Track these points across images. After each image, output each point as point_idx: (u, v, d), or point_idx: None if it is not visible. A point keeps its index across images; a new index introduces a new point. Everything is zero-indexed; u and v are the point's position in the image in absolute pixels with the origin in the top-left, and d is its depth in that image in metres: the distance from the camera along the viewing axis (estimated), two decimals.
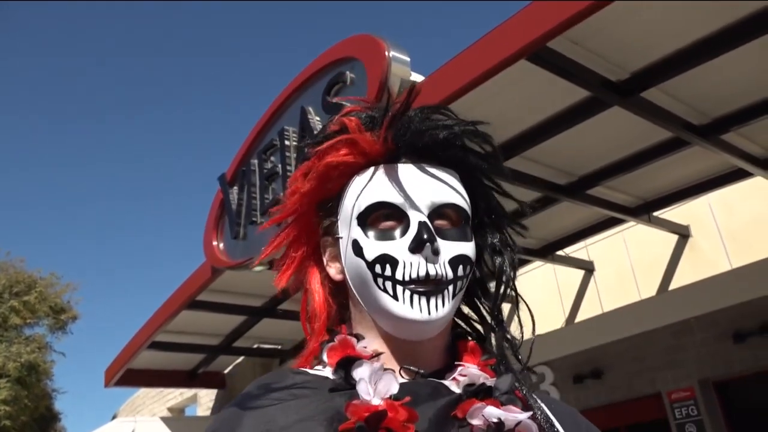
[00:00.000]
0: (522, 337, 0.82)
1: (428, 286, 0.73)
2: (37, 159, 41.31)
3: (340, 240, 0.80)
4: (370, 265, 0.75)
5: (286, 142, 5.07)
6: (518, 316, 0.82)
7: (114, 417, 14.77)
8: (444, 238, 0.75)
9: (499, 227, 0.85)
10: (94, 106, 46.85)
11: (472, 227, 0.81)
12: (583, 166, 4.72)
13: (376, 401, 0.68)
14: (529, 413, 0.72)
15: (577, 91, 3.78)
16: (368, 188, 0.77)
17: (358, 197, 0.78)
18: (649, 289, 6.17)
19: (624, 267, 6.41)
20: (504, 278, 0.82)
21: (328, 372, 0.76)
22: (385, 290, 0.74)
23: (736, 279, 5.22)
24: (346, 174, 0.80)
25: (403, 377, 0.75)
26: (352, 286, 0.79)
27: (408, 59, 4.15)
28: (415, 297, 0.72)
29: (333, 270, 0.83)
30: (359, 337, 0.78)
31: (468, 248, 0.77)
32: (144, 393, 13.03)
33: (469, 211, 0.80)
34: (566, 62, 3.50)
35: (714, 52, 3.56)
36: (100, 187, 50.47)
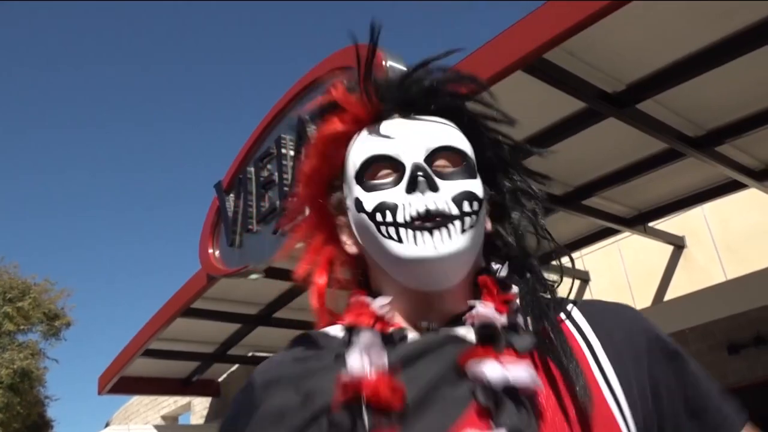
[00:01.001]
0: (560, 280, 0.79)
1: (431, 222, 0.70)
2: (32, 164, 41.26)
3: (348, 209, 0.78)
4: (371, 216, 0.73)
5: (283, 150, 5.08)
6: (558, 261, 0.81)
7: (107, 424, 14.68)
8: (444, 178, 0.73)
9: (511, 174, 0.82)
10: (90, 111, 46.87)
11: (487, 181, 0.79)
12: (578, 177, 4.75)
13: (364, 372, 0.66)
14: (530, 374, 0.65)
15: (573, 102, 3.81)
16: (361, 146, 0.77)
17: (350, 159, 0.78)
18: (645, 300, 6.18)
19: (619, 277, 6.42)
20: (520, 231, 0.80)
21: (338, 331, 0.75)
22: (389, 236, 0.72)
23: (731, 290, 5.24)
24: (344, 143, 0.80)
25: (417, 333, 0.73)
26: (365, 248, 0.77)
27: (405, 69, 4.16)
28: (419, 234, 0.70)
29: (348, 245, 0.81)
30: (376, 294, 0.75)
31: (472, 185, 0.75)
32: (137, 400, 12.96)
33: (471, 154, 0.77)
34: (562, 73, 3.53)
35: (709, 65, 3.59)
36: (96, 192, 50.43)
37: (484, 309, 0.70)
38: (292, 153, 5.00)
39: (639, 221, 5.46)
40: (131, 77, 49.66)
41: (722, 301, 5.22)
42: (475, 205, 0.74)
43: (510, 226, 0.81)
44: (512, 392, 0.64)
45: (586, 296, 6.57)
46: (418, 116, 0.78)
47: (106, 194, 51.45)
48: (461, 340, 0.70)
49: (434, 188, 0.72)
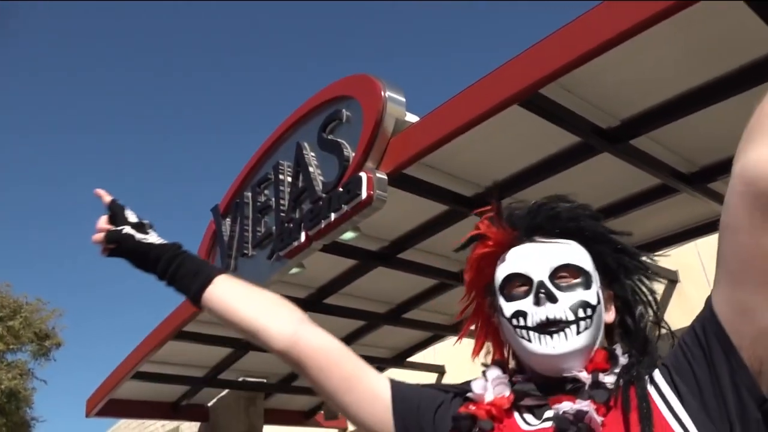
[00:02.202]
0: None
1: (552, 328, 0.96)
2: (23, 179, 41.22)
3: (497, 312, 1.06)
4: (509, 320, 1.00)
5: (281, 176, 5.11)
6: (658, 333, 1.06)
7: None
8: (564, 290, 0.98)
9: (629, 277, 1.07)
10: (86, 123, 47.02)
11: (611, 283, 1.05)
12: None
13: (488, 397, 1.00)
14: (592, 409, 0.90)
15: (568, 137, 3.87)
16: (502, 266, 1.05)
17: (497, 273, 1.06)
18: None
19: None
20: (640, 320, 1.05)
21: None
22: (521, 336, 0.98)
23: None
24: (493, 261, 1.07)
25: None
26: (509, 341, 1.06)
27: (403, 99, 4.23)
28: (542, 337, 0.96)
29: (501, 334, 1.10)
30: (514, 373, 1.05)
31: (587, 295, 0.99)
32: (125, 424, 12.79)
33: (588, 267, 1.02)
34: (558, 108, 3.60)
35: (702, 103, 3.66)
36: (91, 212, 50.33)
37: (575, 372, 0.97)
38: (289, 179, 5.03)
39: None
40: (131, 92, 49.93)
41: None
42: (589, 311, 0.98)
43: (631, 317, 1.06)
44: (578, 421, 0.89)
45: None
46: (545, 239, 1.04)
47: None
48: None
49: (553, 300, 0.97)
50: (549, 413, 0.94)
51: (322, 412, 8.78)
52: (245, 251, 5.40)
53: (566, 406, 0.91)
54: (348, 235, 4.54)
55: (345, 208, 4.22)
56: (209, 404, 8.82)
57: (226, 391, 8.44)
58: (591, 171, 4.18)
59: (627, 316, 1.06)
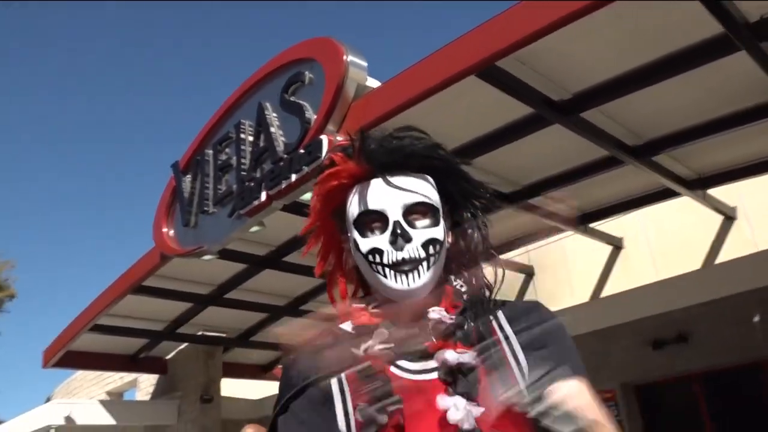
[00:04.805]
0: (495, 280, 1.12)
1: (406, 266, 1.03)
2: None
3: (350, 241, 1.11)
4: (365, 256, 1.06)
5: (242, 135, 5.14)
6: (495, 270, 1.12)
7: (48, 399, 14.45)
8: (416, 227, 1.05)
9: (468, 199, 1.14)
10: (50, 74, 45.23)
11: (453, 210, 1.13)
12: (525, 177, 4.99)
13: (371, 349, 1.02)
14: (472, 356, 0.98)
15: (521, 108, 4.01)
16: (356, 201, 1.09)
17: (350, 208, 1.10)
18: (583, 295, 6.51)
19: (561, 273, 6.75)
20: (472, 244, 1.13)
21: (349, 327, 1.10)
22: (377, 272, 1.05)
23: (658, 290, 5.58)
24: (343, 191, 1.11)
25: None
26: (362, 271, 1.11)
27: (365, 64, 4.30)
28: (398, 275, 1.03)
29: (351, 260, 1.16)
30: (369, 302, 1.11)
31: (436, 232, 1.06)
32: (82, 375, 12.80)
33: (437, 203, 1.08)
34: (512, 80, 3.73)
35: (650, 80, 3.84)
36: (50, 162, 48.84)
37: (437, 314, 1.05)
38: (251, 138, 5.07)
39: (581, 221, 5.75)
40: (98, 46, 48.06)
41: (651, 299, 5.57)
42: (438, 247, 1.06)
43: (465, 242, 1.14)
44: (462, 369, 0.98)
45: (530, 290, 6.89)
46: (398, 175, 1.08)
47: (64, 163, 49.87)
48: (428, 333, 1.04)
49: (408, 240, 1.04)
50: (430, 363, 1.00)
51: (280, 366, 8.98)
52: (206, 208, 5.46)
53: (450, 356, 0.98)
54: (308, 196, 4.65)
55: (306, 169, 4.32)
56: (167, 357, 8.93)
57: (184, 345, 8.56)
58: (542, 142, 4.35)
59: (461, 240, 1.14)
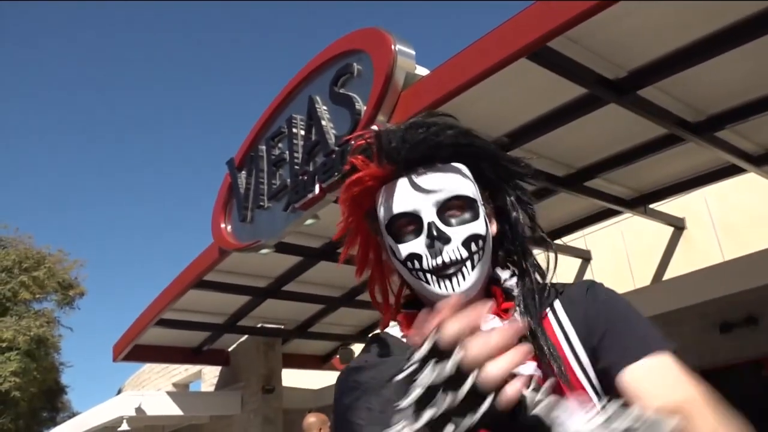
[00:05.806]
0: (546, 275, 1.02)
1: (449, 270, 0.93)
2: (43, 133, 41.48)
3: (385, 244, 1.03)
4: (404, 263, 0.97)
5: (294, 130, 5.21)
6: (547, 258, 1.02)
7: (119, 391, 15.10)
8: (453, 225, 0.94)
9: (508, 182, 1.03)
10: (108, 80, 46.92)
11: (493, 195, 1.02)
12: (581, 159, 4.87)
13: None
14: (533, 365, 0.88)
15: (576, 88, 3.92)
16: (386, 203, 0.98)
17: (380, 213, 1.00)
18: (644, 279, 6.34)
19: (620, 257, 6.58)
20: (519, 229, 1.01)
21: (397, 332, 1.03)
22: (419, 278, 0.96)
23: (726, 271, 5.37)
24: (371, 194, 1.01)
25: None
26: (403, 276, 1.02)
27: (413, 53, 4.29)
28: (441, 280, 0.94)
29: (389, 263, 1.07)
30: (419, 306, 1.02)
31: (476, 226, 0.95)
32: (149, 368, 13.32)
33: (473, 194, 0.97)
34: (565, 60, 3.64)
35: (710, 53, 3.68)
36: (115, 165, 50.72)
37: (488, 325, 0.96)
38: (302, 132, 5.13)
39: (640, 203, 5.59)
40: (148, 52, 49.56)
41: (717, 281, 5.37)
42: (480, 242, 0.96)
43: (511, 227, 1.03)
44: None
45: (587, 275, 6.74)
46: (427, 169, 0.97)
47: (124, 168, 51.73)
48: None
49: (446, 240, 0.94)
50: None
51: (338, 356, 9.11)
52: (261, 203, 5.57)
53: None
54: None
55: None
56: (229, 349, 9.18)
57: (245, 337, 8.77)
58: (598, 122, 4.24)
59: (507, 226, 1.03)
